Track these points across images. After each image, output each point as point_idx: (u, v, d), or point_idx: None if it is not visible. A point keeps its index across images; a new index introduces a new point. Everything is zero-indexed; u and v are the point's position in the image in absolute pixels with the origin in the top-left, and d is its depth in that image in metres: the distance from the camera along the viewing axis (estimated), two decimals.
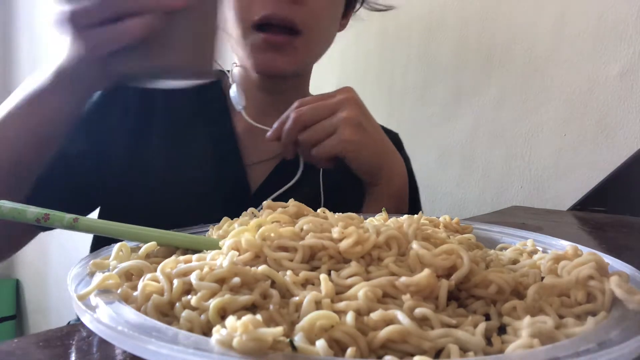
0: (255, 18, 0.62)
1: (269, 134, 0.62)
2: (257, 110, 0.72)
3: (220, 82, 0.77)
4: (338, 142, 0.57)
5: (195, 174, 0.69)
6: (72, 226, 0.32)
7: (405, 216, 0.36)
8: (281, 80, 0.72)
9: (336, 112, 0.59)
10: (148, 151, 0.68)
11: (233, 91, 0.67)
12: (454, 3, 1.03)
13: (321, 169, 0.66)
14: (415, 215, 0.36)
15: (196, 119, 0.72)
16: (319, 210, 0.34)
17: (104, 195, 0.68)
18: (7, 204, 0.32)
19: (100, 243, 0.59)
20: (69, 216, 0.32)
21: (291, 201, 0.35)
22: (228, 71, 0.72)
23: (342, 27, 0.75)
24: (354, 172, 0.61)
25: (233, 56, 0.77)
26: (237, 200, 0.68)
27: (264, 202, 0.35)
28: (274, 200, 0.36)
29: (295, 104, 0.62)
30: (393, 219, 0.37)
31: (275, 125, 0.62)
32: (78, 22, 0.42)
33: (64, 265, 2.15)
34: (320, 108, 0.60)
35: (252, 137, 0.73)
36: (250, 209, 0.36)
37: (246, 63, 0.68)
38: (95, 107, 0.68)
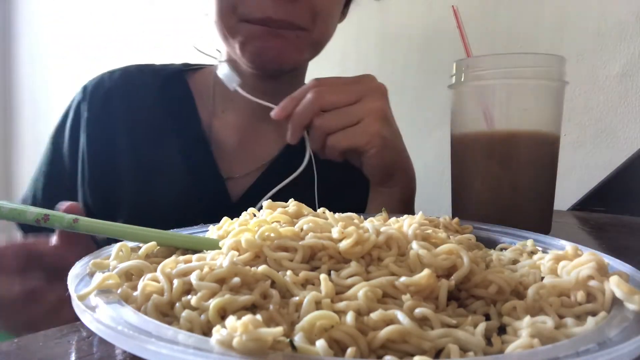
0: (250, 18, 0.56)
1: (274, 111, 0.53)
2: (247, 113, 0.66)
3: (184, 76, 0.69)
4: (363, 134, 0.50)
5: (171, 184, 0.63)
6: (72, 227, 0.32)
7: (405, 216, 0.36)
8: (275, 77, 0.65)
9: (361, 100, 0.51)
10: (121, 158, 0.64)
11: (224, 69, 0.59)
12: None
13: (315, 169, 0.57)
14: (416, 215, 0.36)
15: (165, 123, 0.66)
16: (319, 210, 0.34)
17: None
18: (7, 204, 0.32)
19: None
20: (68, 217, 0.32)
21: (291, 201, 0.35)
22: (216, 63, 0.63)
23: (342, 17, 0.69)
24: (364, 170, 0.55)
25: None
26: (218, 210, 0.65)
27: (264, 202, 0.35)
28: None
29: (312, 82, 0.53)
30: (393, 219, 0.37)
31: (284, 102, 0.52)
32: None
33: None
34: (345, 92, 0.51)
35: (229, 143, 0.66)
36: (251, 209, 0.35)
37: (238, 56, 0.60)
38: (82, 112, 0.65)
